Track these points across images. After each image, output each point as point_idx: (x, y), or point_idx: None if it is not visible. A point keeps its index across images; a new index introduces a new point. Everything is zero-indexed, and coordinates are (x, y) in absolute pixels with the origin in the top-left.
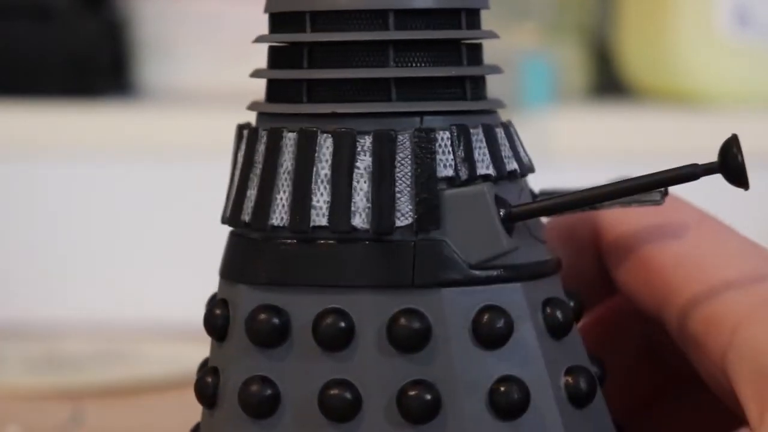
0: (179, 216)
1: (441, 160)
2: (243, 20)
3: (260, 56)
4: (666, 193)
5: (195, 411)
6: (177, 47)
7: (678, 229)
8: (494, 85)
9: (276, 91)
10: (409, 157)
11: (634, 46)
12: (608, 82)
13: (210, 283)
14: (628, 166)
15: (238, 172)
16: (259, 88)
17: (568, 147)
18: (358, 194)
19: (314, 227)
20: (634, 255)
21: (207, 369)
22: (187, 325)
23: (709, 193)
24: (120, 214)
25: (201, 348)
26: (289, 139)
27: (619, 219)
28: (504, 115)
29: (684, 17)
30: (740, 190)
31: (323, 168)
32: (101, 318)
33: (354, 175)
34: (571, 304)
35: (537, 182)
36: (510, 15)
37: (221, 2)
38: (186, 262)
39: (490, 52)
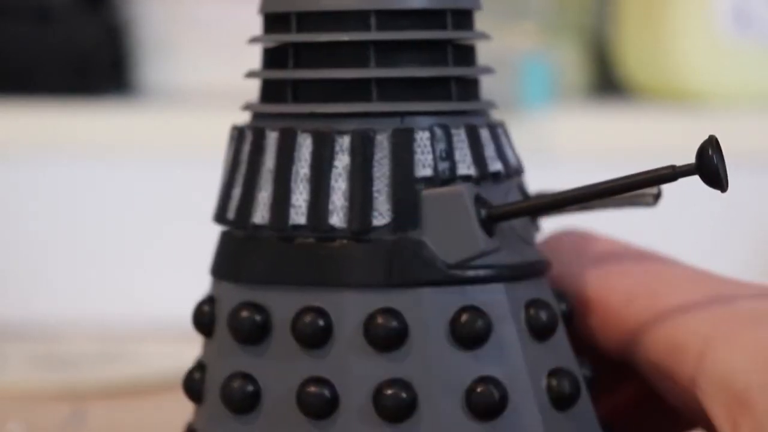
0: (180, 215)
1: (419, 160)
2: (242, 21)
3: (259, 56)
4: (659, 196)
5: None
6: (177, 47)
7: (623, 268)
8: (494, 85)
9: (266, 91)
10: (387, 157)
11: (633, 46)
12: (607, 82)
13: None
14: (627, 165)
15: (226, 172)
16: (258, 88)
17: (568, 147)
18: (336, 193)
19: (294, 226)
20: (583, 300)
21: (195, 365)
22: (187, 325)
23: (713, 193)
24: (120, 213)
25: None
26: (271, 138)
27: (557, 266)
28: (503, 116)
29: (683, 17)
30: (742, 190)
31: (302, 167)
32: (101, 318)
33: (332, 174)
34: (563, 306)
35: (536, 182)
36: (509, 15)
37: (221, 3)
38: (186, 262)
39: (490, 52)
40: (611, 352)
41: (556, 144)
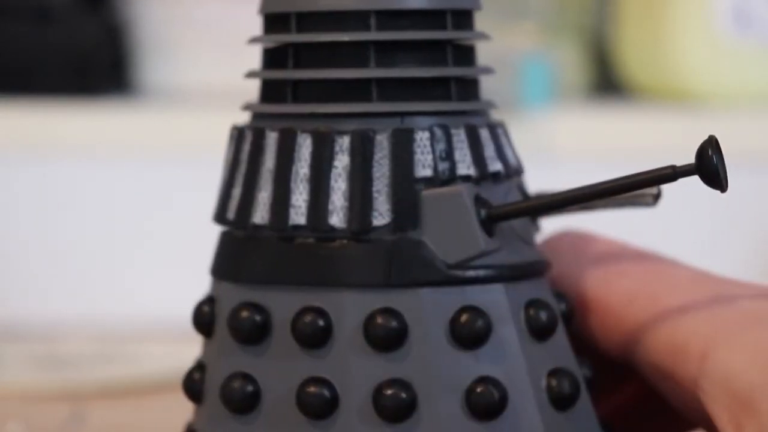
0: (179, 215)
1: (419, 160)
2: (242, 21)
3: (259, 56)
4: (659, 196)
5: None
6: (177, 47)
7: (622, 268)
8: (494, 85)
9: (266, 91)
10: (387, 157)
11: (633, 46)
12: (607, 82)
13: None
14: (627, 165)
15: (226, 172)
16: (257, 88)
17: (568, 147)
18: (336, 193)
19: (293, 226)
20: (583, 301)
21: (195, 365)
22: (188, 325)
23: (713, 193)
24: (120, 213)
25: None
26: (271, 138)
27: (556, 267)
28: (503, 115)
29: (683, 17)
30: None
31: (302, 167)
32: (101, 318)
33: (332, 174)
34: (562, 306)
35: (535, 182)
36: (510, 15)
37: (221, 3)
38: (185, 262)
39: (490, 52)
40: (612, 353)
41: (556, 144)
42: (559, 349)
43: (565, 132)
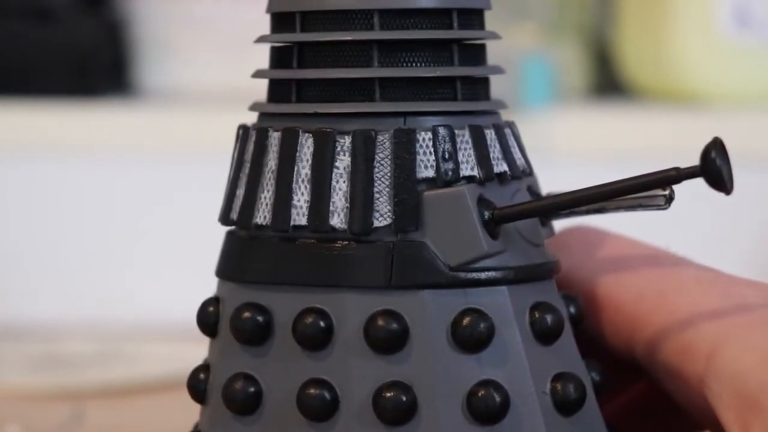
0: (179, 216)
1: (422, 161)
2: (243, 20)
3: (259, 56)
4: (672, 198)
5: (195, 411)
6: (177, 47)
7: (632, 265)
8: (494, 85)
9: (273, 90)
10: (389, 157)
11: (633, 46)
12: (608, 82)
13: (210, 283)
14: (627, 166)
15: (232, 171)
16: (257, 88)
17: (568, 147)
18: (337, 194)
19: (295, 226)
20: (592, 297)
21: (200, 365)
22: (187, 325)
23: (713, 193)
24: (120, 213)
25: (201, 348)
26: (274, 138)
27: (566, 262)
28: (503, 115)
29: (684, 17)
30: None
31: (304, 167)
32: (101, 318)
33: (333, 174)
34: (572, 309)
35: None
36: (510, 15)
37: (221, 2)
38: (186, 262)
39: (490, 52)
40: (619, 350)
41: (556, 144)
42: (566, 352)
43: (565, 132)
